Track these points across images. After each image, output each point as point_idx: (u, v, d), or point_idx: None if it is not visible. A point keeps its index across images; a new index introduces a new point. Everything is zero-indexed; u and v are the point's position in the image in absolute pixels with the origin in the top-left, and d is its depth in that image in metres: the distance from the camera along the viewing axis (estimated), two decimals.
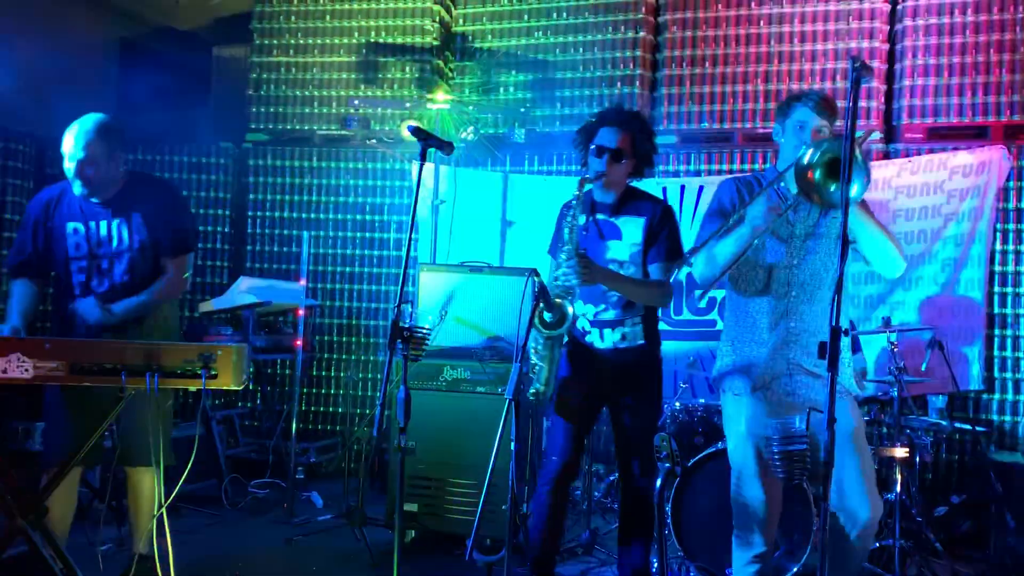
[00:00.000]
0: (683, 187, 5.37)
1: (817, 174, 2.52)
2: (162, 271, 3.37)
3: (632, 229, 3.24)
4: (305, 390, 5.82)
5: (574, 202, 3.17)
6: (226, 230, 6.18)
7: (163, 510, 2.86)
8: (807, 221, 2.88)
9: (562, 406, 3.24)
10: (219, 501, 4.75)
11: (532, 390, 3.04)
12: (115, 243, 3.31)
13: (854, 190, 2.40)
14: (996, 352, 4.96)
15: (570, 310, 3.03)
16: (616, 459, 3.37)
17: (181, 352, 2.93)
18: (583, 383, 3.26)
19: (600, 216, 3.28)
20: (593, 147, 3.22)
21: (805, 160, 2.54)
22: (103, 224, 3.31)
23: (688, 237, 5.29)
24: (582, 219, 3.20)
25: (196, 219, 5.94)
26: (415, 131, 2.76)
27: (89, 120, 3.27)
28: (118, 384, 2.90)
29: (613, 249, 3.25)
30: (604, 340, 3.24)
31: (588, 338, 3.28)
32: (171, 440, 3.44)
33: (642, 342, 3.25)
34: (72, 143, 3.23)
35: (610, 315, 3.22)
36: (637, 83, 5.61)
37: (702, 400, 4.38)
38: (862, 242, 2.76)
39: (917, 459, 4.15)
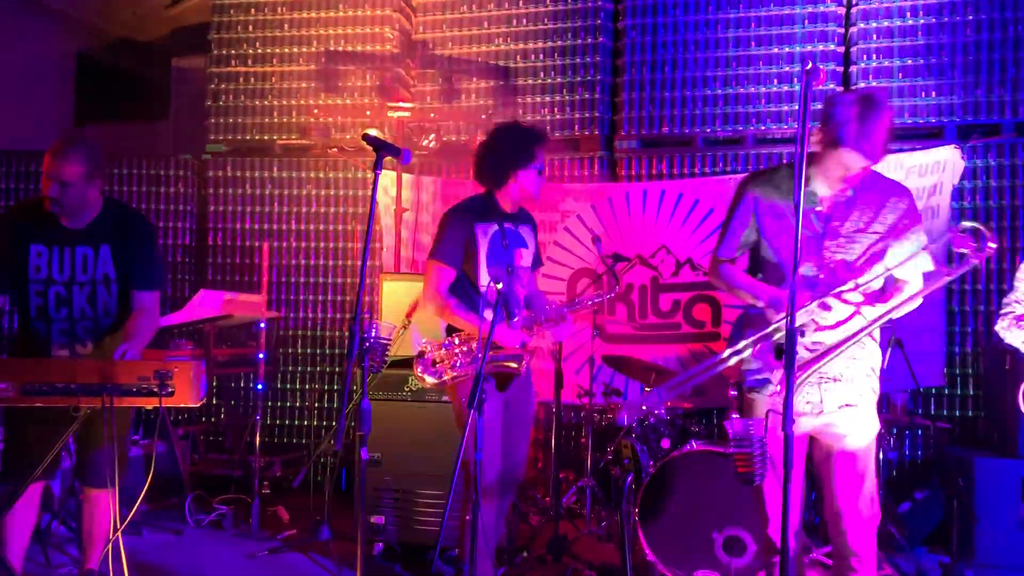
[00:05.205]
0: (645, 191, 5.39)
1: None
2: (134, 306, 3.26)
3: (529, 237, 3.49)
4: (269, 403, 5.75)
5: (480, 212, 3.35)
6: (187, 243, 6.10)
7: (119, 532, 2.79)
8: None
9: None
10: (182, 518, 4.67)
11: None
12: (76, 271, 3.23)
13: None
14: (956, 349, 5.04)
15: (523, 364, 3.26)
16: None
17: (136, 369, 2.89)
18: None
19: (506, 225, 3.40)
20: (538, 169, 3.37)
21: None
22: (67, 250, 3.22)
23: (650, 239, 5.34)
24: (500, 229, 3.37)
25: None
26: (369, 139, 2.74)
27: (70, 140, 3.20)
28: (72, 404, 2.86)
29: (523, 257, 3.43)
30: None
31: None
32: (127, 459, 3.38)
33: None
34: (51, 161, 3.14)
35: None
36: (598, 89, 5.63)
37: (667, 404, 4.39)
38: None
39: (880, 456, 4.19)
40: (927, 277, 2.74)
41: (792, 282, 2.21)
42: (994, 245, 2.56)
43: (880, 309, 2.67)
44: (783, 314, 2.63)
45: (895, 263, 2.70)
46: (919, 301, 2.74)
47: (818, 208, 2.78)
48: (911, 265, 2.71)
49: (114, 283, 3.26)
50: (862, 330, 2.63)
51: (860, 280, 2.70)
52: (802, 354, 2.61)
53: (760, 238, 2.88)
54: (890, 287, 2.78)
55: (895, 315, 2.73)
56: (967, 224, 2.58)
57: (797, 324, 2.67)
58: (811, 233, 2.75)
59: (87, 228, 3.25)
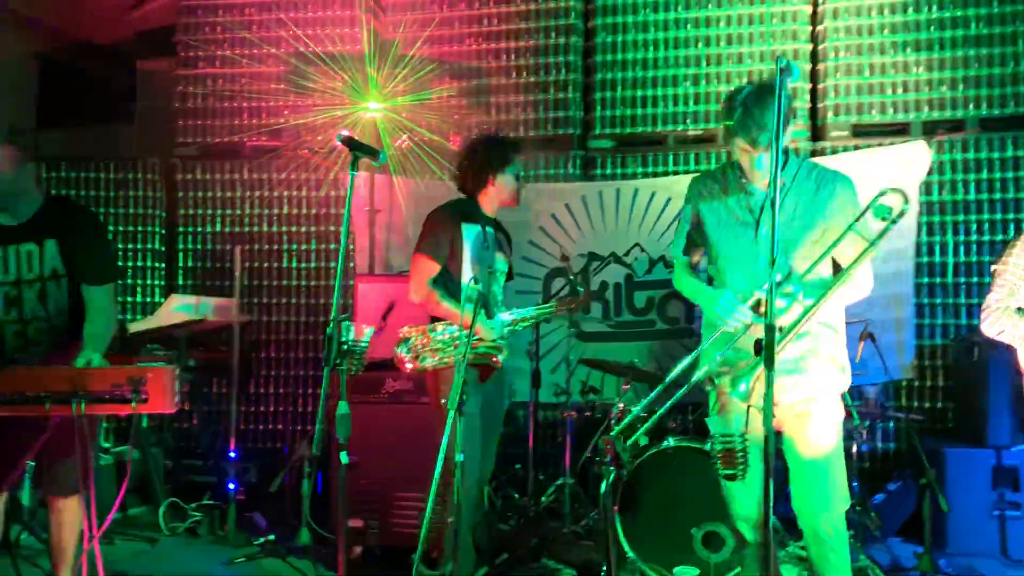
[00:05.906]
0: (618, 190, 5.41)
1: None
2: (89, 303, 3.18)
3: (506, 246, 3.73)
4: (243, 408, 5.69)
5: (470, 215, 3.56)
6: (156, 247, 6.02)
7: (95, 542, 2.74)
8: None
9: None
10: (156, 526, 4.61)
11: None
12: (24, 270, 3.14)
13: None
14: (925, 341, 5.11)
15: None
16: None
17: (109, 376, 2.83)
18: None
19: (487, 228, 3.62)
20: (516, 174, 3.62)
21: None
22: (11, 250, 3.14)
23: (624, 238, 5.36)
24: (483, 231, 3.57)
25: (116, 247, 5.79)
26: (344, 140, 2.72)
27: None
28: (42, 412, 2.80)
29: (501, 260, 3.65)
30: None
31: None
32: (96, 467, 3.31)
33: None
34: None
35: None
36: (570, 88, 5.64)
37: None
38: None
39: (854, 448, 4.24)
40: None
41: (771, 275, 2.22)
42: (907, 207, 2.56)
43: (818, 297, 2.62)
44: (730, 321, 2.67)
45: (835, 249, 2.69)
46: (866, 280, 2.84)
47: (752, 198, 2.80)
48: (852, 251, 2.68)
49: (63, 278, 3.17)
50: (808, 311, 2.60)
51: (799, 270, 2.71)
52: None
53: (710, 240, 2.91)
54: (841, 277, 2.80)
55: (847, 301, 2.86)
56: (887, 197, 2.56)
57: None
58: (745, 226, 2.79)
59: (29, 223, 3.16)
